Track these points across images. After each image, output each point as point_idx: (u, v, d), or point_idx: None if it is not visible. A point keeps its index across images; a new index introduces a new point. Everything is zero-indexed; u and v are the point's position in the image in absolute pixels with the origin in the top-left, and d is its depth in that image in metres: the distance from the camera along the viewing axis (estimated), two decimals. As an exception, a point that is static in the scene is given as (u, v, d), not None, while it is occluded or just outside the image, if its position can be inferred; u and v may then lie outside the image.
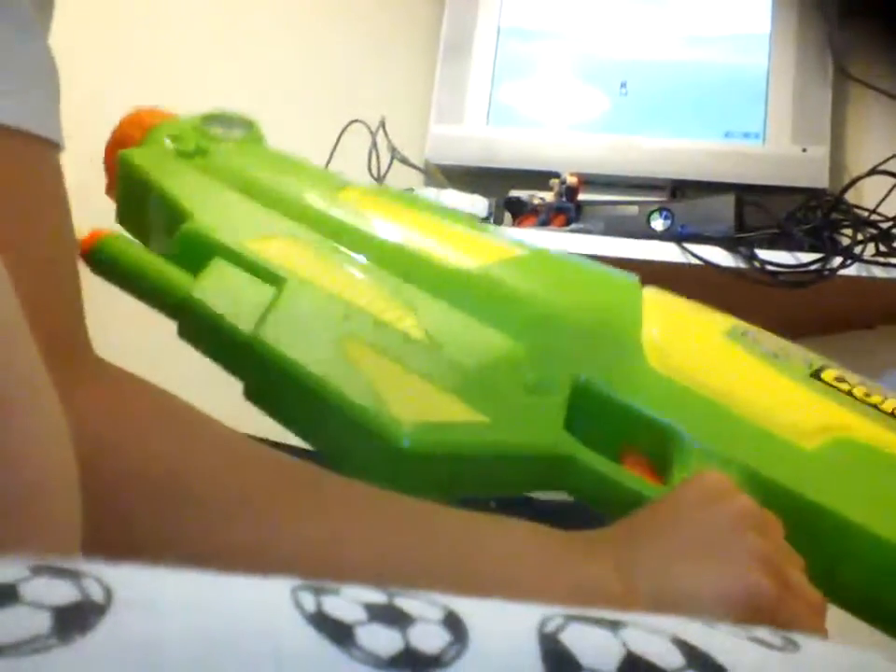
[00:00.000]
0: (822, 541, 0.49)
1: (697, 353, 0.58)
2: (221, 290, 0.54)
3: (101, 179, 0.63)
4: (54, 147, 0.41)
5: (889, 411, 0.56)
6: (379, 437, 0.50)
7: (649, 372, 0.56)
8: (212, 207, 0.60)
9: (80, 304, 0.44)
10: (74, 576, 0.16)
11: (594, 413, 0.55)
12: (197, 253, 0.56)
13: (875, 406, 0.56)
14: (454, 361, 0.56)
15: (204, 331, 0.54)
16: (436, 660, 0.17)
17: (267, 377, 0.53)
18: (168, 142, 0.64)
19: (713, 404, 0.55)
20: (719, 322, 0.60)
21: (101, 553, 0.33)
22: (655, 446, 0.54)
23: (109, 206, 0.63)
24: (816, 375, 0.58)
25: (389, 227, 0.63)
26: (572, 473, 0.52)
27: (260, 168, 0.66)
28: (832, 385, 0.57)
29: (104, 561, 0.17)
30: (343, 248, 0.60)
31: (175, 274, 0.55)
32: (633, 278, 0.61)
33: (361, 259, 0.60)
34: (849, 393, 0.57)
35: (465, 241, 0.63)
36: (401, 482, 0.49)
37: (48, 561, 0.17)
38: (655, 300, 0.61)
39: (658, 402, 0.55)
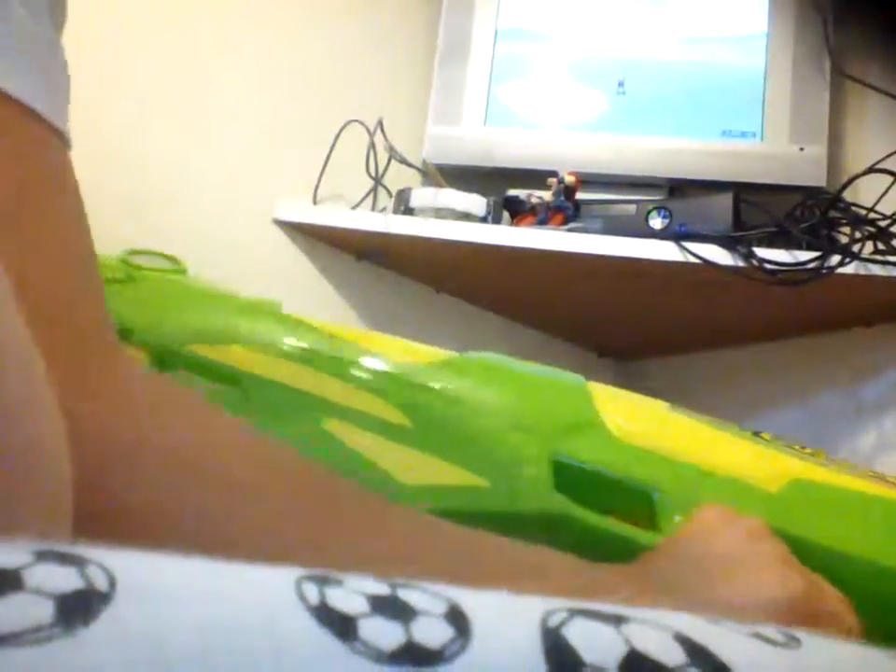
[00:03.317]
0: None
1: (653, 423, 0.64)
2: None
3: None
4: (65, 141, 0.41)
5: (823, 458, 0.64)
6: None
7: (618, 444, 0.60)
8: (155, 320, 0.65)
9: (101, 294, 0.43)
10: (78, 562, 0.16)
11: (576, 488, 0.57)
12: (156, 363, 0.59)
13: (811, 455, 0.64)
14: (440, 432, 0.58)
15: None
16: (438, 655, 0.17)
17: None
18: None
19: (679, 462, 0.59)
20: (658, 402, 0.67)
21: (126, 521, 0.33)
22: (635, 512, 0.57)
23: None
24: (756, 435, 0.65)
25: (340, 337, 0.66)
26: (566, 530, 0.55)
27: (196, 290, 0.70)
28: (772, 442, 0.64)
29: (106, 546, 0.17)
30: (297, 353, 0.63)
31: None
32: (579, 378, 0.67)
33: (320, 361, 0.63)
34: (788, 447, 0.64)
35: (407, 347, 0.68)
36: None
37: (52, 546, 0.17)
38: (602, 390, 0.66)
39: (632, 467, 0.59)
